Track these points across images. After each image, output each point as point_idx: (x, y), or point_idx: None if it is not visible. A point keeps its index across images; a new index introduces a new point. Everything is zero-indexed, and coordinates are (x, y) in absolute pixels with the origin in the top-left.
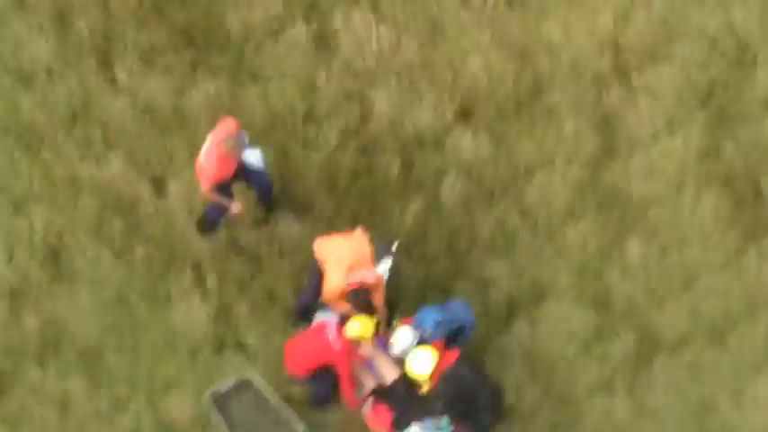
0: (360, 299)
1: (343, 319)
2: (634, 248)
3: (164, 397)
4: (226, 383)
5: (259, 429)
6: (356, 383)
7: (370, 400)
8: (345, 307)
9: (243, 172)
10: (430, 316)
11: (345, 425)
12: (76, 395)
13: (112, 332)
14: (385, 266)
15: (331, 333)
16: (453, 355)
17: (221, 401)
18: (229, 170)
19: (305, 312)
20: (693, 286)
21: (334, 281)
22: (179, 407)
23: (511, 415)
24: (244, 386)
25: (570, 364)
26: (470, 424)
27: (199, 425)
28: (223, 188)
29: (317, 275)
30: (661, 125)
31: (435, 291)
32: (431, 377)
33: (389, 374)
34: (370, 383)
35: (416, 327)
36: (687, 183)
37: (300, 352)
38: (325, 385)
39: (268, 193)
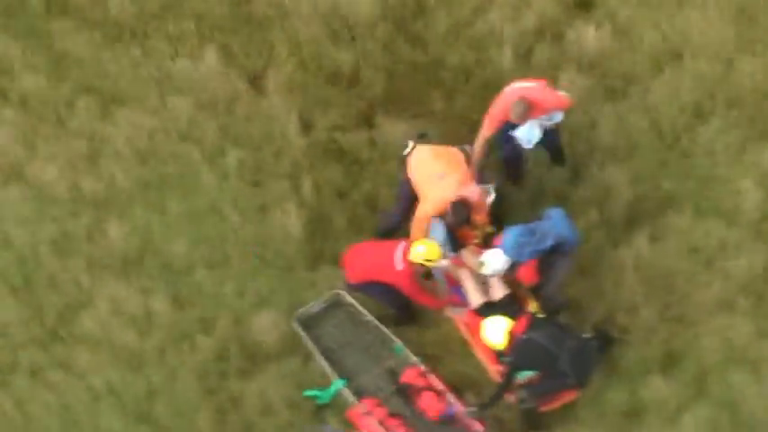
0: (461, 213)
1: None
2: (766, 153)
3: (252, 318)
4: (316, 304)
5: (352, 347)
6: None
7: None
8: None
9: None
10: (513, 239)
11: (442, 342)
12: (159, 314)
13: (202, 245)
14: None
15: (398, 256)
16: (524, 319)
17: (311, 322)
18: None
19: (388, 237)
20: None
21: (438, 191)
22: (267, 329)
23: (624, 336)
24: (334, 305)
25: (690, 281)
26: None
27: (288, 348)
28: None
29: (407, 197)
30: None
31: (551, 198)
32: (508, 341)
33: (498, 291)
34: (477, 299)
35: (504, 249)
36: None
37: (363, 262)
38: (387, 297)
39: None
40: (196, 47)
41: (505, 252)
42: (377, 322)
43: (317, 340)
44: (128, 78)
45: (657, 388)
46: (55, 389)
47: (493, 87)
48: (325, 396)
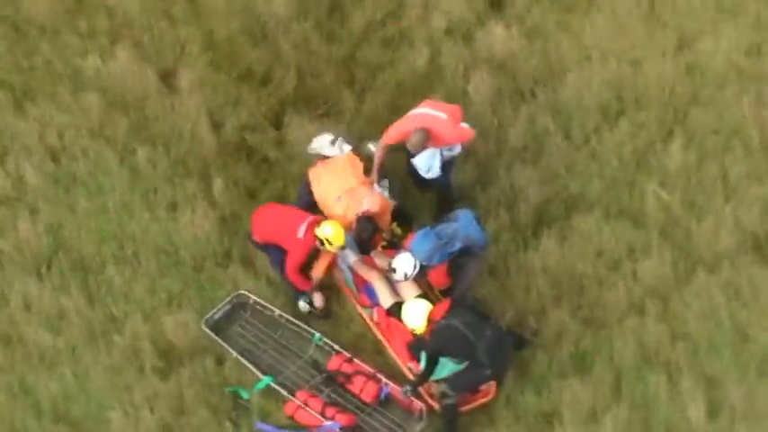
0: (367, 227)
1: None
2: (674, 155)
3: (163, 316)
4: (220, 307)
5: (267, 344)
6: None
7: (381, 312)
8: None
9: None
10: (421, 243)
11: (354, 341)
12: (71, 312)
13: (113, 242)
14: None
15: (304, 225)
16: (444, 305)
17: (220, 325)
18: None
19: None
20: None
21: (337, 210)
22: (179, 328)
23: (536, 338)
24: (239, 306)
25: (599, 283)
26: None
27: (201, 348)
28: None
29: (306, 199)
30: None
31: (460, 198)
32: (427, 326)
33: (409, 292)
34: (388, 300)
35: (413, 253)
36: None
37: (269, 223)
38: (277, 259)
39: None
40: (108, 43)
41: (415, 256)
42: (287, 316)
43: (231, 342)
44: (40, 74)
45: (573, 390)
46: None
47: (404, 87)
48: (247, 392)
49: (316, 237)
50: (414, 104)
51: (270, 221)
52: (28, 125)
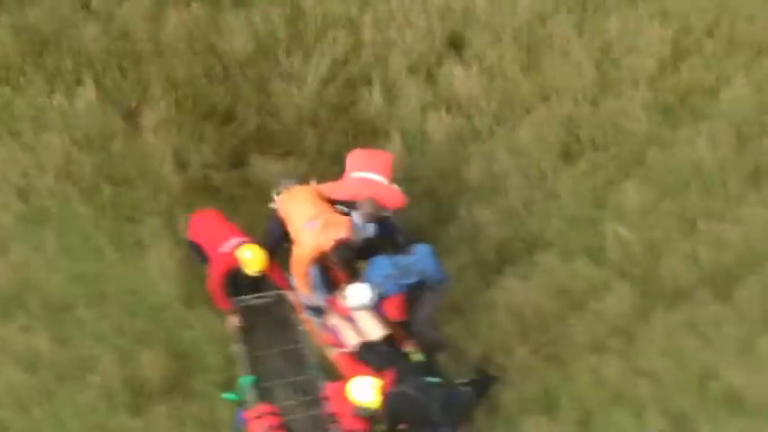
0: (345, 253)
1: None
2: (630, 193)
3: (134, 355)
4: (260, 297)
5: (275, 350)
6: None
7: (345, 356)
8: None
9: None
10: (378, 270)
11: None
12: (42, 353)
13: (81, 282)
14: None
15: (231, 243)
16: (391, 373)
17: (250, 312)
18: None
19: None
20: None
21: (310, 238)
22: (151, 365)
23: (502, 376)
24: (275, 304)
25: (561, 321)
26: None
27: (172, 385)
28: None
29: (276, 234)
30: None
31: (422, 236)
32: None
33: (375, 332)
34: (353, 339)
35: (368, 281)
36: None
37: (202, 227)
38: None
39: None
40: (72, 83)
41: (369, 282)
42: (307, 334)
43: (247, 330)
44: (3, 114)
45: (541, 428)
46: None
47: (364, 126)
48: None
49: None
50: (374, 144)
51: (202, 227)
52: None
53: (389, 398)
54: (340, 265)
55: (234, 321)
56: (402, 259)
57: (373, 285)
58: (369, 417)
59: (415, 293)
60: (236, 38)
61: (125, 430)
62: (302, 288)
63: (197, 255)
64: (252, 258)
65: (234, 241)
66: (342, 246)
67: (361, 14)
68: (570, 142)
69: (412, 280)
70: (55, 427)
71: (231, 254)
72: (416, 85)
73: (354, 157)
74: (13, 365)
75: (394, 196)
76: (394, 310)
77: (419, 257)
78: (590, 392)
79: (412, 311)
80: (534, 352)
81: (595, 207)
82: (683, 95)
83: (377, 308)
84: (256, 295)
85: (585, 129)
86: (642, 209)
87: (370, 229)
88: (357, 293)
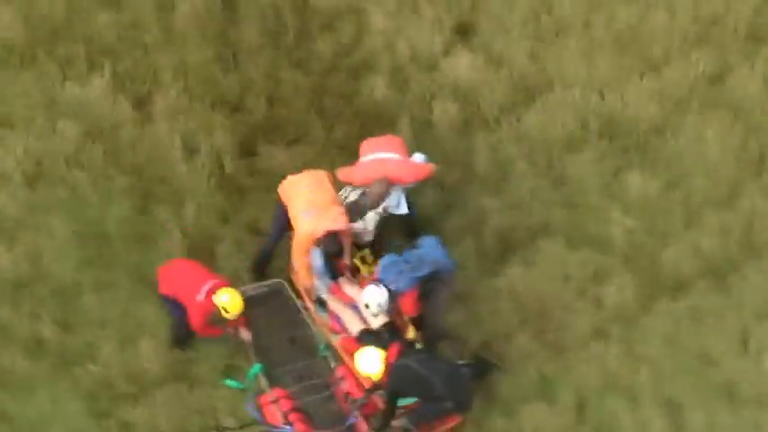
0: (332, 245)
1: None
2: (635, 182)
3: (137, 342)
4: (258, 286)
5: (279, 337)
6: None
7: (350, 340)
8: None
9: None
10: (390, 268)
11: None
12: (48, 339)
13: (89, 268)
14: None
15: (205, 288)
16: (396, 346)
17: (249, 303)
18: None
19: (265, 258)
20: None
21: (305, 226)
22: (152, 355)
23: (501, 363)
24: (275, 292)
25: (564, 308)
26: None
27: (174, 374)
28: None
29: (281, 221)
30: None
31: (425, 226)
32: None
33: (377, 319)
34: (355, 325)
35: (380, 281)
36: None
37: (173, 279)
38: (177, 314)
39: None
40: (85, 71)
41: (382, 280)
42: (309, 320)
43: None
44: (17, 102)
45: (538, 414)
46: None
47: (371, 115)
48: (244, 383)
49: (213, 303)
50: (380, 133)
51: (173, 278)
52: (5, 152)
53: (393, 369)
54: (329, 254)
55: (245, 335)
56: (412, 254)
57: (387, 283)
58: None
59: (426, 285)
60: (246, 26)
61: (128, 418)
62: (304, 275)
63: (173, 307)
64: (229, 302)
65: (206, 287)
66: (328, 237)
67: (368, 3)
68: (577, 130)
69: (425, 272)
70: (56, 415)
71: (208, 300)
72: (422, 73)
73: (367, 143)
74: (18, 352)
75: (410, 169)
76: (410, 305)
77: (428, 249)
78: (588, 379)
79: (427, 304)
80: (534, 339)
81: (601, 195)
82: (690, 85)
83: (393, 305)
84: (256, 285)
85: (592, 117)
86: (646, 197)
87: (404, 206)
88: (373, 296)
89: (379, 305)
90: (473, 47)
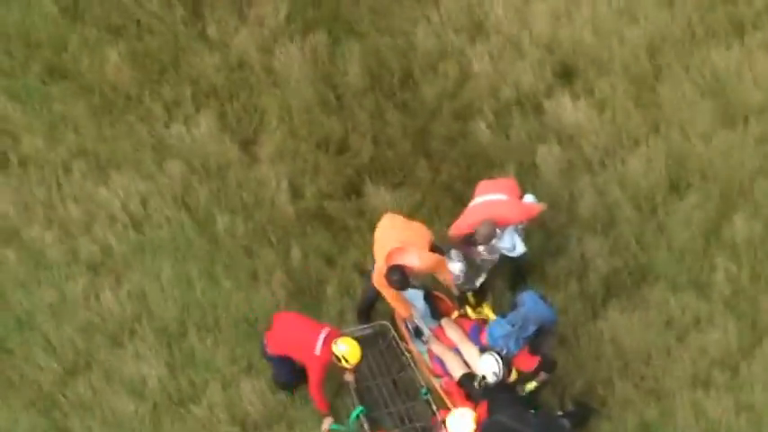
0: (395, 280)
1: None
2: (738, 226)
3: (240, 384)
4: (364, 328)
5: (383, 379)
6: (442, 369)
7: (451, 383)
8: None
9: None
10: (497, 334)
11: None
12: (152, 379)
13: (195, 310)
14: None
15: (320, 341)
16: (484, 404)
17: None
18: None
19: (369, 302)
20: None
21: (379, 261)
22: (256, 396)
23: (602, 408)
24: (379, 334)
25: (666, 354)
26: None
27: (275, 416)
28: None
29: (372, 293)
30: None
31: (529, 269)
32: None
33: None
34: (457, 369)
35: (491, 347)
36: None
37: (286, 335)
38: (286, 373)
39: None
40: (191, 112)
41: (493, 350)
42: (412, 363)
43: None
44: (123, 143)
45: None
46: None
47: (475, 158)
48: (346, 425)
49: (331, 354)
50: (485, 175)
51: (286, 335)
52: (112, 193)
53: (485, 427)
54: (393, 288)
55: (349, 377)
56: (515, 314)
57: (496, 346)
58: None
59: (535, 341)
60: (351, 68)
61: None
62: (399, 309)
63: (285, 369)
64: (349, 351)
65: (322, 337)
66: (392, 269)
67: (471, 46)
68: (680, 174)
69: (531, 330)
70: None
71: (326, 351)
72: (526, 116)
73: (479, 186)
74: (122, 394)
75: (516, 209)
76: (525, 363)
77: (529, 306)
78: (689, 426)
79: (540, 356)
80: (635, 386)
81: (704, 239)
82: None
83: (508, 367)
84: (361, 327)
85: (695, 161)
86: (749, 242)
87: (520, 246)
88: (487, 366)
89: (495, 374)
90: (576, 90)
